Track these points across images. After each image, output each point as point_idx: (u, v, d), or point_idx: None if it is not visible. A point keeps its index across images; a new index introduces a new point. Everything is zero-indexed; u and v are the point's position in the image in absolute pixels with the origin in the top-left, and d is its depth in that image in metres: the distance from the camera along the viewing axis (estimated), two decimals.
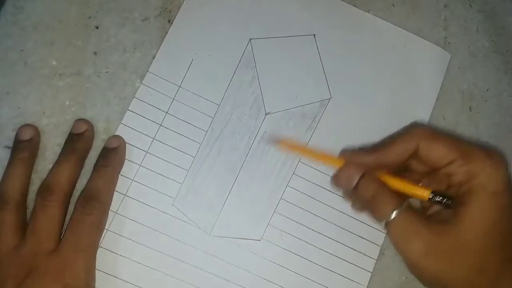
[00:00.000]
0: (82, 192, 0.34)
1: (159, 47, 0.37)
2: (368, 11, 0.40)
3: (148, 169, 0.36)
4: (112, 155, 0.35)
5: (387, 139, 0.36)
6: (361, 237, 0.37)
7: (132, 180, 0.36)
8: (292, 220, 0.37)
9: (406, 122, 0.39)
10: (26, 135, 0.34)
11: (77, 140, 0.35)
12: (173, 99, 0.37)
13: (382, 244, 0.38)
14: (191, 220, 0.36)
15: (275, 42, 0.38)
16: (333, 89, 0.39)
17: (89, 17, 0.37)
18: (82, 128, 0.35)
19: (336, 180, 0.34)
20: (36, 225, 0.32)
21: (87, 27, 0.37)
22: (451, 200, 0.31)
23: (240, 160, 0.37)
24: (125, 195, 0.36)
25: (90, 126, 0.36)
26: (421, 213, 0.34)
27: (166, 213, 0.36)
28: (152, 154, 0.36)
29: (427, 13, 0.41)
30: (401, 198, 0.31)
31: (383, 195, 0.31)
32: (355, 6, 0.40)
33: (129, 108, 0.36)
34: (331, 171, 0.37)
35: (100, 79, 0.37)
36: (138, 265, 0.35)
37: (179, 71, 0.37)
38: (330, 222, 0.37)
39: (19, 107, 0.36)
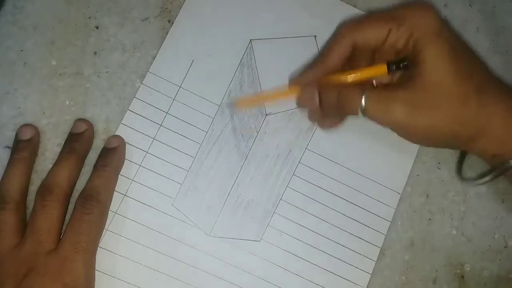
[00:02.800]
0: (82, 192, 0.34)
1: (159, 47, 0.37)
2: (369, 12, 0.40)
3: (148, 169, 0.36)
4: (112, 155, 0.35)
5: (323, 49, 0.38)
6: (361, 239, 0.37)
7: (132, 180, 0.36)
8: (292, 221, 0.37)
9: None
10: (26, 135, 0.34)
11: (76, 140, 0.35)
12: (174, 99, 0.37)
13: (382, 246, 0.38)
14: (190, 220, 0.36)
15: (275, 43, 0.38)
16: None
17: (89, 17, 0.37)
18: (82, 128, 0.35)
19: (301, 105, 0.36)
20: (36, 225, 0.32)
21: (87, 27, 0.37)
22: (406, 61, 0.32)
23: (240, 160, 0.37)
24: (125, 195, 0.36)
25: (90, 126, 0.36)
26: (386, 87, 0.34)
27: (166, 213, 0.36)
28: (152, 154, 0.36)
29: None
30: (363, 85, 0.33)
31: (347, 91, 0.32)
32: (355, 7, 0.40)
33: (129, 108, 0.36)
34: (332, 173, 0.38)
35: (100, 79, 0.37)
36: (138, 265, 0.35)
37: (179, 72, 0.37)
38: (330, 224, 0.37)
39: (19, 107, 0.36)
